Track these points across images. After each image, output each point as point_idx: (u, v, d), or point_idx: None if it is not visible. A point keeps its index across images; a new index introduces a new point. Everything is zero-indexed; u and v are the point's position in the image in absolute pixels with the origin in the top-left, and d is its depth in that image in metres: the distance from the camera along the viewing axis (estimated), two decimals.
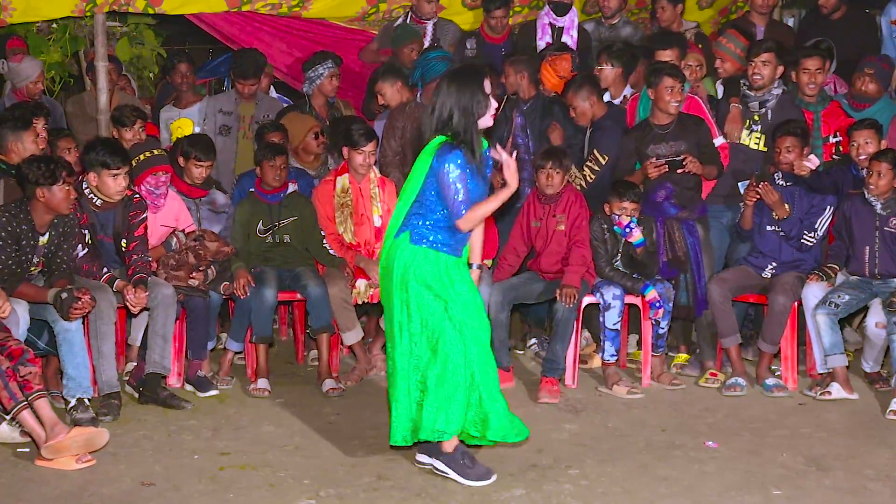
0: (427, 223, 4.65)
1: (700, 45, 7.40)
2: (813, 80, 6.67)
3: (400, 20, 7.92)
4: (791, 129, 6.24)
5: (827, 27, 7.87)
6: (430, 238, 4.64)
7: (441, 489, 4.57)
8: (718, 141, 6.53)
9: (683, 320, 6.51)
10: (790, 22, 9.51)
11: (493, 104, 4.61)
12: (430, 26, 7.91)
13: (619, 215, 6.13)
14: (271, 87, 8.10)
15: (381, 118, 7.21)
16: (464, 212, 4.57)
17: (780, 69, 6.60)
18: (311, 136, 6.88)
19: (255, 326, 6.09)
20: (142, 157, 6.03)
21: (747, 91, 6.62)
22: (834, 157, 6.68)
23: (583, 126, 6.70)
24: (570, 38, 7.70)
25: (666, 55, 6.81)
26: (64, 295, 5.17)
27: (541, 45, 7.69)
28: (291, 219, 6.35)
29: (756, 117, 6.59)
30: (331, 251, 6.38)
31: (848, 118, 6.74)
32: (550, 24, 7.75)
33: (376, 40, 8.12)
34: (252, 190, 6.42)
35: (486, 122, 4.61)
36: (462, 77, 4.60)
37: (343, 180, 6.44)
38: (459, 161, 4.53)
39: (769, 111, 6.56)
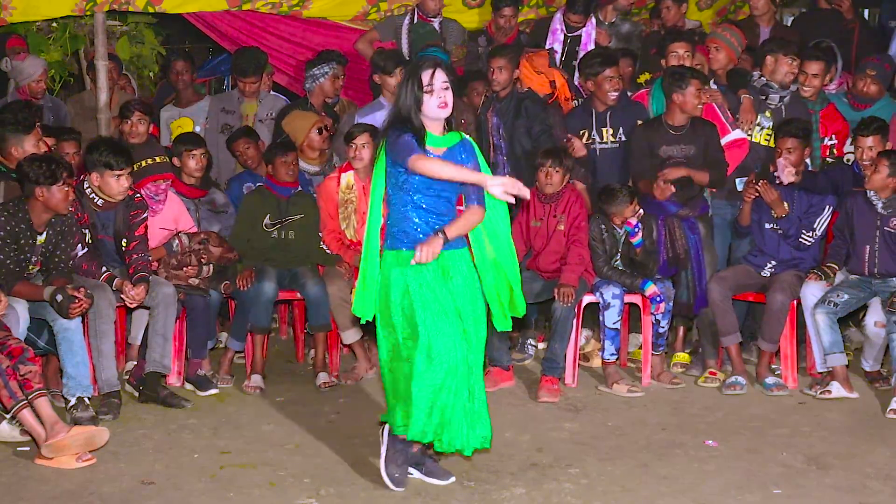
0: (388, 221, 4.53)
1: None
2: (810, 83, 6.70)
3: (407, 19, 7.90)
4: (793, 131, 6.25)
5: (818, 20, 7.90)
6: (393, 233, 4.49)
7: (441, 488, 4.57)
8: (736, 134, 6.52)
9: (683, 317, 6.51)
10: (789, 21, 9.51)
11: (437, 96, 4.41)
12: (436, 25, 7.90)
13: (623, 220, 6.13)
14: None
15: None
16: (416, 153, 4.33)
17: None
18: (314, 131, 6.87)
19: (252, 316, 6.08)
20: (144, 163, 6.01)
21: (769, 82, 6.60)
22: (828, 159, 6.70)
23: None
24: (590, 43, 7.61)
25: (679, 47, 6.80)
26: (59, 297, 5.14)
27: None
28: (299, 216, 6.36)
29: (768, 113, 6.60)
30: (327, 251, 6.39)
31: (844, 122, 6.76)
32: (564, 33, 7.66)
33: (376, 29, 8.08)
34: (261, 184, 6.42)
35: (431, 111, 4.43)
36: (407, 71, 4.56)
37: (348, 177, 6.45)
38: (406, 136, 4.37)
39: (783, 107, 6.58)
